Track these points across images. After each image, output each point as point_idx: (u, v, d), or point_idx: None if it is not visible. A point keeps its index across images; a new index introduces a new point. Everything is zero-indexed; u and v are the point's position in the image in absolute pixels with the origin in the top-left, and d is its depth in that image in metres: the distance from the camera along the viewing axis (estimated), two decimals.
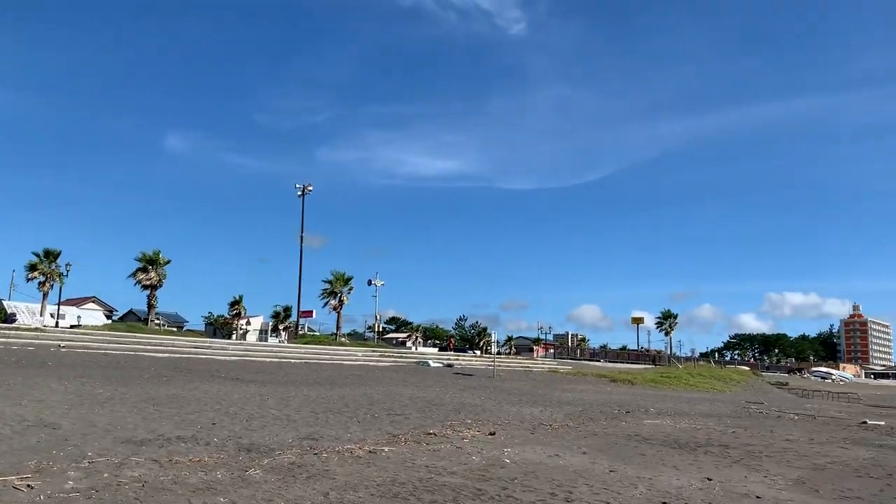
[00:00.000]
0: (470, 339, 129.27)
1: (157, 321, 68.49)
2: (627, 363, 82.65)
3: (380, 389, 26.33)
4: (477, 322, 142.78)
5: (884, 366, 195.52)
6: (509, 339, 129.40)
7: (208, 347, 40.11)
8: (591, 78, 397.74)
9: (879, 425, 28.42)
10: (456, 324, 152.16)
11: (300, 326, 69.25)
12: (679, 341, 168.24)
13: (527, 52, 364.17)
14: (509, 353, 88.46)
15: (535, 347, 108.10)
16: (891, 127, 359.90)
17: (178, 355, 34.85)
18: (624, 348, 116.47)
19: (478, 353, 63.62)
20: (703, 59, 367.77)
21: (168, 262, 53.84)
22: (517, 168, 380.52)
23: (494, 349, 51.89)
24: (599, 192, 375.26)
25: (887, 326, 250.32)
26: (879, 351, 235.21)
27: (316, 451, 12.68)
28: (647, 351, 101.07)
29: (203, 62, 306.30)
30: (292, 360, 39.84)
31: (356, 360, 44.55)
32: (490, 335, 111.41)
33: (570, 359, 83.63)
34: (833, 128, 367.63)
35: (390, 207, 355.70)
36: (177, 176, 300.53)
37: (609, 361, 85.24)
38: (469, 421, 19.92)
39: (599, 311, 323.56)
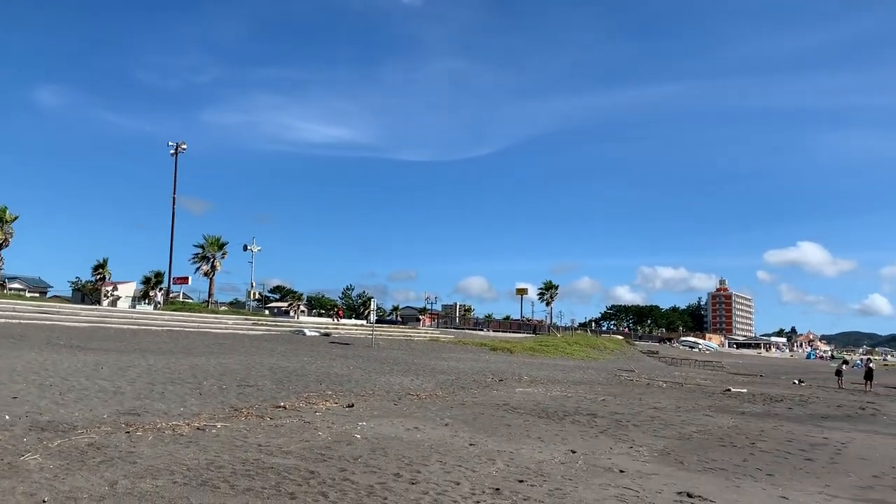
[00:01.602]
0: (356, 308, 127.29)
1: (8, 285, 62.29)
2: (510, 332, 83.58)
3: (239, 359, 24.35)
4: (364, 292, 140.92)
5: (745, 336, 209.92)
6: (395, 308, 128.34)
7: (56, 313, 36.38)
8: (484, 53, 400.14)
9: (742, 392, 29.31)
10: (343, 293, 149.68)
11: (173, 294, 65.09)
12: (560, 312, 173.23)
13: (421, 22, 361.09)
14: (394, 323, 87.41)
15: (421, 317, 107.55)
16: (755, 113, 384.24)
17: (17, 321, 31.26)
18: (507, 318, 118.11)
19: (363, 322, 62.06)
20: (587, 43, 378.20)
21: (15, 218, 48.33)
22: (409, 139, 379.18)
23: (373, 317, 50.34)
24: (488, 167, 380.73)
25: (749, 300, 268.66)
26: (742, 323, 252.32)
27: (130, 429, 10.84)
28: (529, 321, 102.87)
29: (80, 12, 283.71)
30: (153, 328, 36.84)
31: (226, 329, 41.95)
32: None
33: (455, 328, 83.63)
34: (703, 112, 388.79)
35: (278, 173, 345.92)
36: (48, 133, 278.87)
37: (493, 331, 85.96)
38: (329, 392, 18.44)
39: (486, 283, 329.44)
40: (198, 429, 11.31)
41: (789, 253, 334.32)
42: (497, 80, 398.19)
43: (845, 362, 58.98)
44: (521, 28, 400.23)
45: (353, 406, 15.94)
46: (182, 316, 44.56)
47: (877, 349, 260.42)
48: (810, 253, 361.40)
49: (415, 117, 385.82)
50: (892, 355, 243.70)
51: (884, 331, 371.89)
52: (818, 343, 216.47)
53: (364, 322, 62.18)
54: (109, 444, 9.51)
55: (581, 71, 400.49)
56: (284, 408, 14.83)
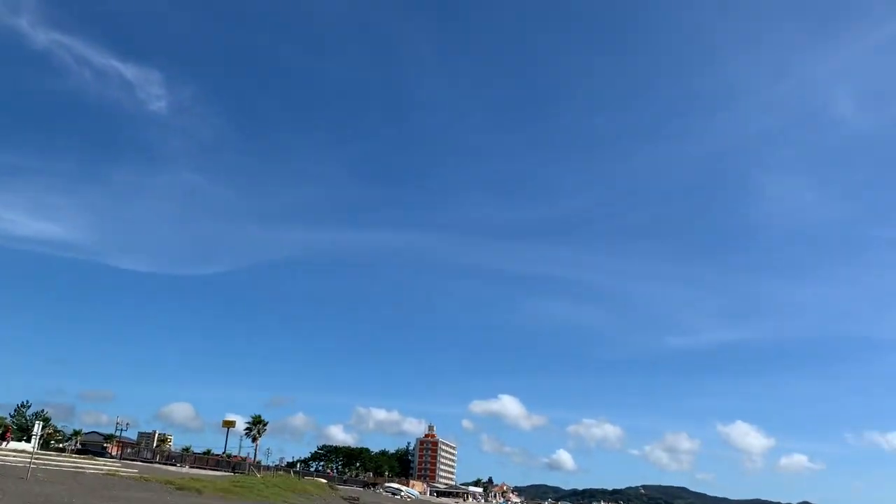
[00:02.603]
0: (29, 429, 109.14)
1: None
2: (207, 469, 77.01)
3: None
4: (42, 410, 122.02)
5: (446, 484, 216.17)
6: (76, 433, 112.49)
7: None
8: (225, 171, 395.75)
9: None
10: (16, 410, 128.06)
11: None
12: (268, 449, 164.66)
13: (165, 131, 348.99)
14: (72, 451, 76.39)
15: (107, 445, 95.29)
16: (472, 268, 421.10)
17: None
18: (208, 452, 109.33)
19: (30, 446, 52.73)
20: (330, 182, 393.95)
21: None
22: (130, 246, 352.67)
23: (34, 443, 43.20)
24: (214, 286, 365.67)
25: (454, 447, 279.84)
26: (445, 470, 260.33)
27: None
28: (230, 457, 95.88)
29: None
30: None
31: None
32: (50, 427, 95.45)
33: (143, 461, 75.04)
34: (431, 259, 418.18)
35: None
36: None
37: (189, 466, 78.55)
38: None
39: (193, 411, 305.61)
40: None
41: (492, 404, 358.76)
42: (237, 201, 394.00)
43: None
44: (267, 154, 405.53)
45: None
46: None
47: (560, 502, 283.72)
48: (510, 406, 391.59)
49: (139, 224, 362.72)
50: None
51: (567, 485, 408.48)
52: (510, 495, 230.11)
53: (31, 446, 53.08)
54: None
55: (322, 205, 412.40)
56: None
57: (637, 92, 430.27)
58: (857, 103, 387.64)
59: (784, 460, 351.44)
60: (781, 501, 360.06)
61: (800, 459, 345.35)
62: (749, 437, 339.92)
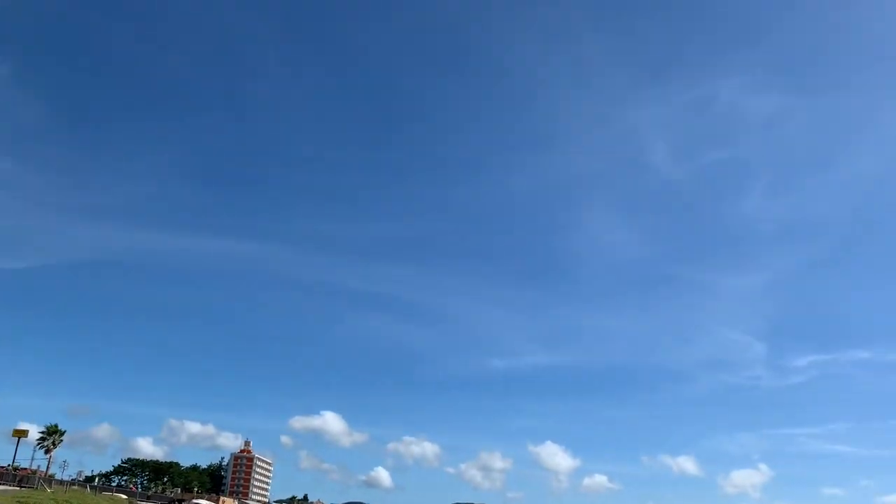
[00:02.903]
0: None
1: None
2: None
3: None
4: None
5: (259, 501, 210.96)
6: None
7: None
8: (42, 159, 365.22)
9: None
10: None
11: None
12: (65, 461, 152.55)
13: None
14: None
15: None
16: (297, 281, 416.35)
17: None
18: None
19: None
20: (160, 181, 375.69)
21: None
22: None
23: None
24: (20, 283, 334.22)
25: (270, 463, 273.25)
26: (259, 486, 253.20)
27: None
28: (17, 470, 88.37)
29: None
30: None
31: None
32: None
33: None
34: (258, 269, 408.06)
35: None
36: None
37: None
38: None
39: None
40: None
41: (313, 420, 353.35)
42: (53, 192, 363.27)
43: None
44: (93, 145, 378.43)
45: None
46: None
47: None
48: (331, 422, 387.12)
49: None
50: None
51: (384, 503, 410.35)
52: None
53: None
54: None
55: (149, 205, 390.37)
56: None
57: (474, 120, 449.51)
58: (669, 154, 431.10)
59: (587, 480, 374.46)
60: None
61: (601, 480, 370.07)
62: (557, 457, 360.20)
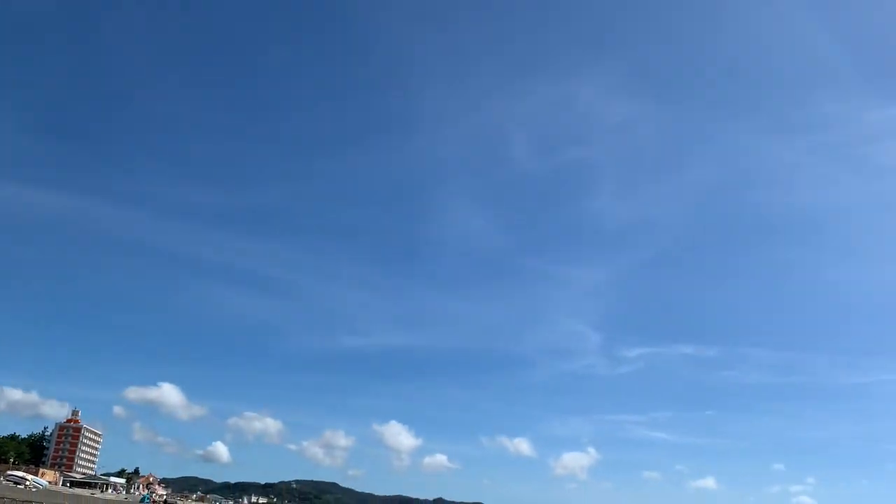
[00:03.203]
0: None
1: None
2: None
3: None
4: None
5: (84, 474, 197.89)
6: None
7: None
8: None
9: None
10: None
11: None
12: None
13: None
14: None
15: None
16: (140, 245, 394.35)
17: None
18: None
19: None
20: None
21: None
22: None
23: None
24: None
25: (99, 435, 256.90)
26: (86, 459, 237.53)
27: None
28: None
29: None
30: None
31: None
32: None
33: None
34: (100, 229, 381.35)
35: None
36: None
37: None
38: None
39: None
40: None
41: (150, 392, 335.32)
42: None
43: None
44: None
45: None
46: None
47: (209, 495, 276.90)
48: (169, 394, 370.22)
49: None
50: (220, 502, 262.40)
51: (220, 478, 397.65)
52: (156, 486, 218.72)
53: None
54: None
55: None
56: None
57: (347, 97, 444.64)
58: (530, 148, 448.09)
59: (427, 459, 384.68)
60: (420, 497, 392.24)
61: (441, 459, 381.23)
62: (401, 436, 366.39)
